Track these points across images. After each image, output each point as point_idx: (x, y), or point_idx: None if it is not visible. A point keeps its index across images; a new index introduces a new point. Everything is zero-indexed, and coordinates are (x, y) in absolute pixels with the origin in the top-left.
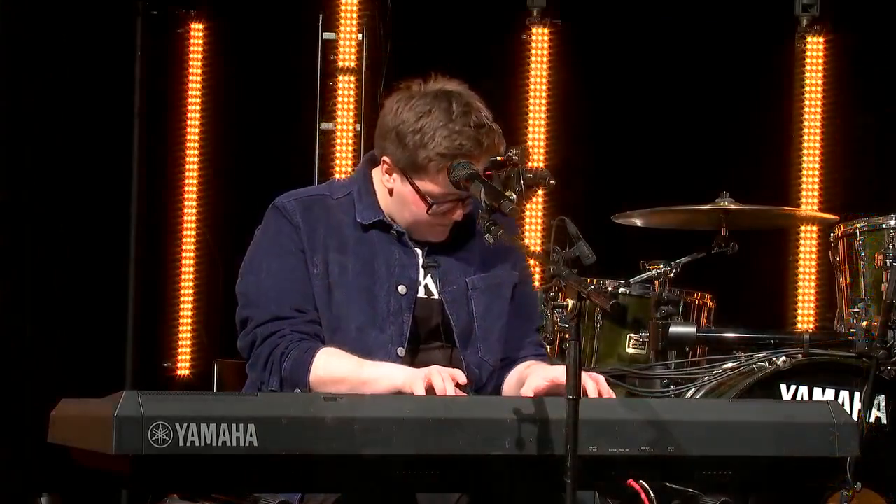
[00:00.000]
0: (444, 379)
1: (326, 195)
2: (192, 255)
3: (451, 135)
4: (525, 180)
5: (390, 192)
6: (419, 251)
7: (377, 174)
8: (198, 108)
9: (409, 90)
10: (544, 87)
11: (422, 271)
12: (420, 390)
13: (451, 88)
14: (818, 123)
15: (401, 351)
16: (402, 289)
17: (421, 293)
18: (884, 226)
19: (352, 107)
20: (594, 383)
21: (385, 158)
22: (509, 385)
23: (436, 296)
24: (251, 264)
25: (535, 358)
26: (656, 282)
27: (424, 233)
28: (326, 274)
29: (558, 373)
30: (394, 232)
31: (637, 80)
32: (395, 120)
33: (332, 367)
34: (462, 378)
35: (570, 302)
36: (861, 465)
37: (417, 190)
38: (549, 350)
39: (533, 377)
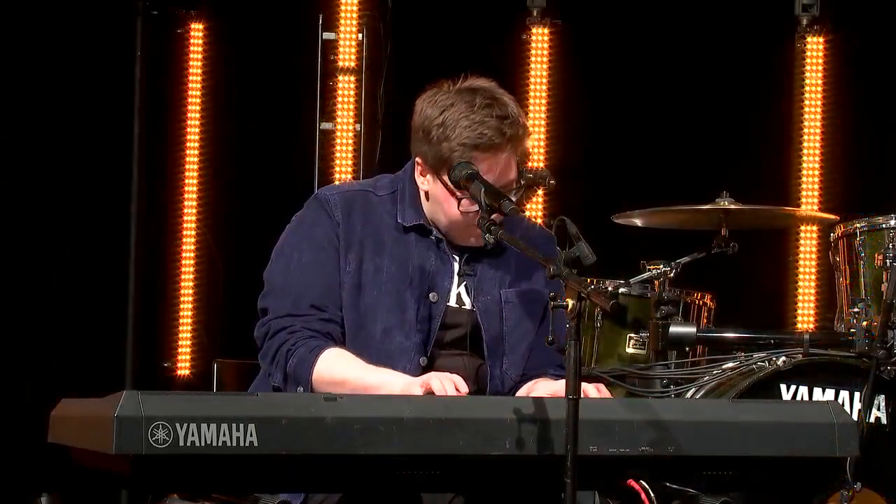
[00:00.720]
0: (442, 380)
1: (370, 191)
2: (192, 255)
3: (472, 125)
4: (525, 180)
5: (426, 194)
6: (456, 259)
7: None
8: (198, 108)
9: (437, 88)
10: (544, 87)
11: (456, 279)
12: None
13: (479, 85)
14: (818, 123)
15: (423, 360)
16: (433, 296)
17: (452, 302)
18: (884, 226)
19: (352, 107)
20: (595, 390)
21: (417, 159)
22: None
23: (467, 305)
24: (282, 252)
25: (552, 378)
26: (656, 282)
27: (461, 236)
28: (359, 272)
29: (561, 387)
30: (433, 237)
31: (637, 80)
32: (420, 117)
33: (335, 368)
34: (463, 386)
35: (570, 302)
36: (861, 465)
37: (446, 185)
38: None
39: (537, 392)
